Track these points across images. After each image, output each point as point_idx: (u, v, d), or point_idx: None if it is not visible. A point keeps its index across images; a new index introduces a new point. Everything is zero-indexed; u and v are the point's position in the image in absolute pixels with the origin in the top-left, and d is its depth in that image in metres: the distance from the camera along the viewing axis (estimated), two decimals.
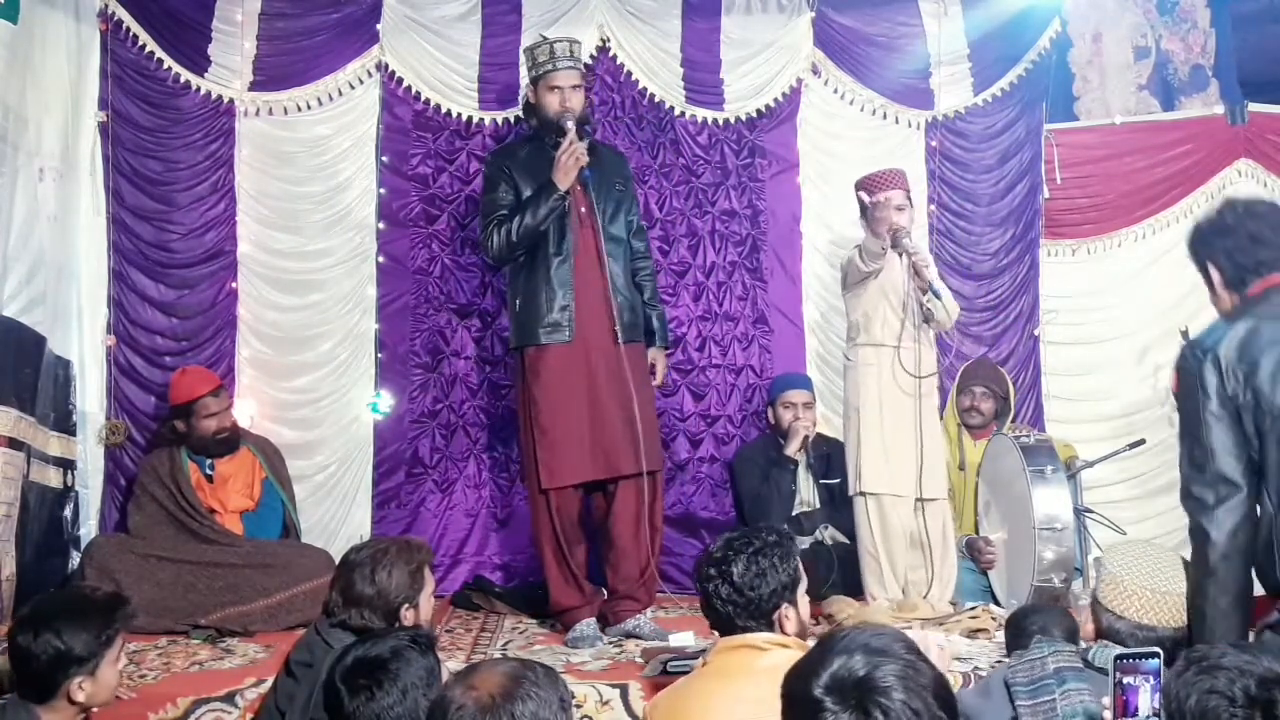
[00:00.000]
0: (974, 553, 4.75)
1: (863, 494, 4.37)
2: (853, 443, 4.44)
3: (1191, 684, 1.87)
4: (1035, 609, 3.25)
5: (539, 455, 4.16)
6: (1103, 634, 2.35)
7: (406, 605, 2.96)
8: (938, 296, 4.34)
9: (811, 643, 2.46)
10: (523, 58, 4.45)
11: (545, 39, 4.36)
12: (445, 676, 2.26)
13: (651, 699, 2.81)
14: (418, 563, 3.01)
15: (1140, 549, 2.44)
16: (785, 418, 5.02)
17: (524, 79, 5.15)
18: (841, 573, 4.56)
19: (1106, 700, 2.00)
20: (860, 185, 4.46)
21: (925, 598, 4.36)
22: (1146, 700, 1.92)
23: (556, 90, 4.23)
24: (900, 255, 4.35)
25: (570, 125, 4.18)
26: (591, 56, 5.17)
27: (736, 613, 2.56)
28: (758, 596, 2.55)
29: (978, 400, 4.94)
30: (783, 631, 2.59)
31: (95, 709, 2.77)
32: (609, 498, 4.26)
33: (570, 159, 4.12)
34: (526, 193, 4.21)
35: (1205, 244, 2.83)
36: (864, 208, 4.43)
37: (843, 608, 4.34)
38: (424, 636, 2.37)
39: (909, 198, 4.45)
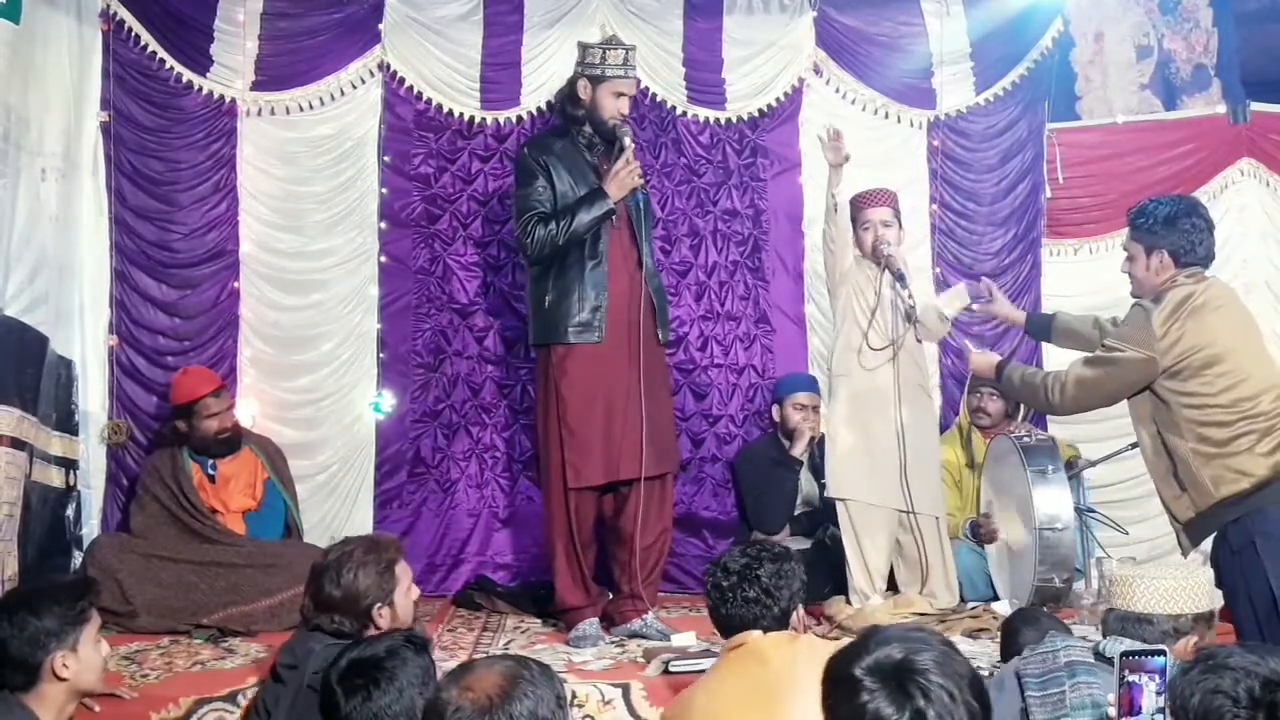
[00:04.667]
0: (977, 529, 4.75)
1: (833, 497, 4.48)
2: (828, 447, 4.54)
3: (1196, 683, 1.86)
4: (1022, 623, 3.24)
5: (566, 455, 4.14)
6: (1112, 634, 2.39)
7: (379, 605, 2.93)
8: (902, 282, 4.33)
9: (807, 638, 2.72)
10: (578, 50, 4.38)
11: (618, 41, 4.37)
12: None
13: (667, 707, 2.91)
14: (386, 561, 2.97)
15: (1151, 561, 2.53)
16: (794, 418, 5.02)
17: (526, 77, 5.23)
18: (843, 573, 4.55)
19: (1112, 697, 2.00)
20: (849, 202, 4.52)
21: (921, 593, 4.40)
22: (1151, 697, 1.92)
23: (621, 97, 4.25)
24: (880, 267, 4.38)
25: (629, 142, 4.19)
26: None
27: (760, 613, 2.71)
28: (782, 598, 2.74)
29: (985, 401, 4.96)
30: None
31: (85, 701, 2.79)
32: (620, 498, 4.26)
33: (630, 176, 4.14)
34: (562, 187, 4.20)
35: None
36: (853, 223, 4.50)
37: (841, 608, 4.35)
38: (418, 637, 2.37)
39: (897, 215, 4.49)
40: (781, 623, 2.73)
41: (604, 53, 4.26)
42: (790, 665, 2.59)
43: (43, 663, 2.63)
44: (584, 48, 4.33)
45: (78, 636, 2.68)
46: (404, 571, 3.04)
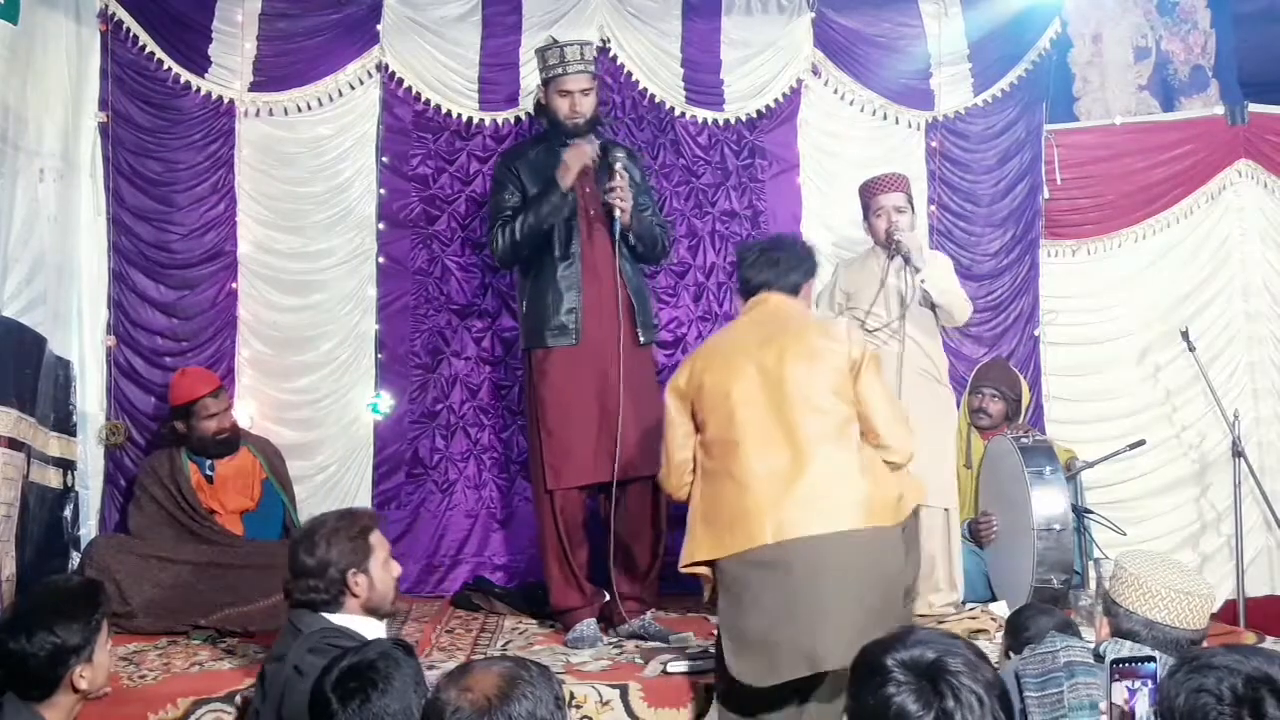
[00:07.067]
0: (975, 530, 4.75)
1: None
2: None
3: (1181, 683, 1.87)
4: (1035, 612, 3.25)
5: (545, 457, 4.16)
6: (1118, 635, 2.35)
7: (354, 571, 2.97)
8: (909, 263, 4.34)
9: None
10: (534, 58, 4.41)
11: (555, 41, 4.34)
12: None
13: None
14: (359, 528, 3.02)
15: (1157, 556, 2.48)
16: None
17: (524, 78, 5.24)
18: None
19: (1104, 705, 2.00)
20: (860, 190, 4.51)
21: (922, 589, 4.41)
22: (1144, 704, 1.93)
23: (567, 95, 4.22)
24: (890, 256, 4.39)
25: (619, 168, 4.13)
26: None
27: (774, 278, 3.49)
28: (798, 270, 3.49)
29: (986, 401, 4.94)
30: None
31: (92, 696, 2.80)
32: (616, 500, 4.26)
33: (575, 159, 4.11)
34: (533, 193, 4.21)
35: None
36: (865, 211, 4.48)
37: None
38: (404, 642, 2.38)
39: (910, 201, 4.47)
40: (793, 292, 3.44)
41: (543, 55, 4.27)
42: (800, 317, 3.41)
43: (63, 677, 2.63)
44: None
45: (94, 647, 2.68)
46: (379, 542, 3.07)
